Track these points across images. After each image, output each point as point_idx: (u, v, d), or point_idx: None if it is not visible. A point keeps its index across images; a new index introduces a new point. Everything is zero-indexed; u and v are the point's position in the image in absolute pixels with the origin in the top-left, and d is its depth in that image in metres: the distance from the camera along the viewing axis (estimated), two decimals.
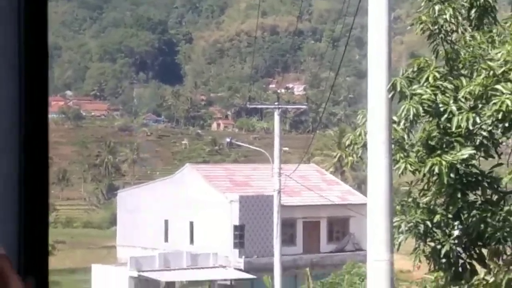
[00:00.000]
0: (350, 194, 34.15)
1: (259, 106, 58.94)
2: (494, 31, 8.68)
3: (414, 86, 8.08)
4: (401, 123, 8.14)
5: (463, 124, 7.78)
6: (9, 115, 0.80)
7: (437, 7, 8.28)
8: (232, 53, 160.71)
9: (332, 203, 30.75)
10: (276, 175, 23.21)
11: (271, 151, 24.10)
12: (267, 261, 24.81)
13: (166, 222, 33.44)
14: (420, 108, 7.83)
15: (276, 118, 24.06)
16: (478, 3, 8.53)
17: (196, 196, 30.01)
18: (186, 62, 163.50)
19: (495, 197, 8.82)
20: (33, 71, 0.80)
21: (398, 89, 7.87)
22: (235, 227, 27.16)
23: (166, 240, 34.33)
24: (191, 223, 29.16)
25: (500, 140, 8.85)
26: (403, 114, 7.89)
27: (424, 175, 8.43)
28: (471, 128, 7.91)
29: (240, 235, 27.30)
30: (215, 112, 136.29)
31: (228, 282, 26.91)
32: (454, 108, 7.90)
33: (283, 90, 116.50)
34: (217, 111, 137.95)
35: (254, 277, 25.36)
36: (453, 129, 7.96)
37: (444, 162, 7.71)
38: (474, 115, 7.85)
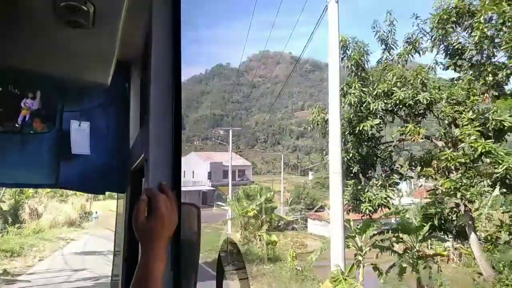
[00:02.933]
0: (245, 163, 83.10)
1: None
2: None
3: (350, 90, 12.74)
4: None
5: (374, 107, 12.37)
6: None
7: None
8: None
9: None
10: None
11: None
12: (218, 184, 71.92)
13: (184, 171, 77.81)
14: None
15: None
16: None
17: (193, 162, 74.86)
18: None
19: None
20: None
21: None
22: (208, 173, 73.10)
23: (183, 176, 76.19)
24: (193, 171, 74.30)
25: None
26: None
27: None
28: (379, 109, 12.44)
29: (210, 175, 72.91)
30: None
31: (206, 190, 72.09)
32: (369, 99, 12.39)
33: None
34: None
35: (214, 188, 71.38)
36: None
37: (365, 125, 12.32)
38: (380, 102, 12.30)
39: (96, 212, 38.21)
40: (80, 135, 2.08)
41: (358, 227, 17.23)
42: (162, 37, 1.31)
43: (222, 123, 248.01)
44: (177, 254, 1.14)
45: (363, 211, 13.32)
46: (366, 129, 12.67)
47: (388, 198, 13.05)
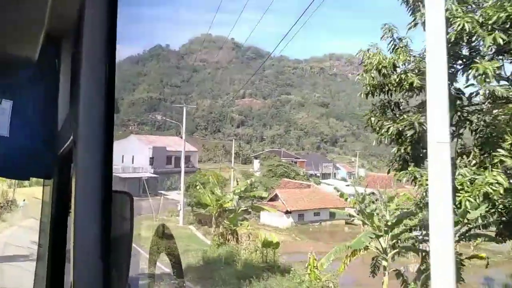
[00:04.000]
0: (190, 148, 78.67)
1: None
2: None
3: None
4: None
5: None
6: None
7: None
8: None
9: None
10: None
11: None
12: (161, 171, 66.54)
13: (123, 156, 71.01)
14: None
15: None
16: None
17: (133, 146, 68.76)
18: None
19: None
20: None
21: None
22: (150, 158, 67.62)
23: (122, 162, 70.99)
24: (133, 156, 68.13)
25: None
26: None
27: None
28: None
29: (152, 160, 67.49)
30: None
31: (147, 177, 66.80)
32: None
33: None
34: None
35: (157, 175, 66.06)
36: None
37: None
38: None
39: (24, 200, 32.56)
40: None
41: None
42: (96, 9, 1.17)
43: (160, 107, 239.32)
44: (107, 245, 1.02)
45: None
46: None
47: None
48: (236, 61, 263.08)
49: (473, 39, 9.64)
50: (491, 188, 8.38)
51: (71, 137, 1.33)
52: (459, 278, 11.16)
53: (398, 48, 11.22)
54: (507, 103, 9.90)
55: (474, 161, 9.95)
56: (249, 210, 52.41)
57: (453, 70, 10.27)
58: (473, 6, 10.07)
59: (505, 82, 10.19)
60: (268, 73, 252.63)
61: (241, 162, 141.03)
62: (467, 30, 8.92)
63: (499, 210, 9.89)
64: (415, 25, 10.62)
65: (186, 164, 71.17)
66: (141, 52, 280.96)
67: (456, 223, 9.32)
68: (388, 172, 11.90)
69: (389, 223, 14.03)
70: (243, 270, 21.20)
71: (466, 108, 10.91)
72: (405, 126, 10.41)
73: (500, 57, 9.95)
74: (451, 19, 8.96)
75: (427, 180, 7.59)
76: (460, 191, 8.63)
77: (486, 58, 9.51)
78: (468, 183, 8.78)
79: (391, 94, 11.74)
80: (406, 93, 11.69)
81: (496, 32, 8.82)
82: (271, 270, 22.08)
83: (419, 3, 10.22)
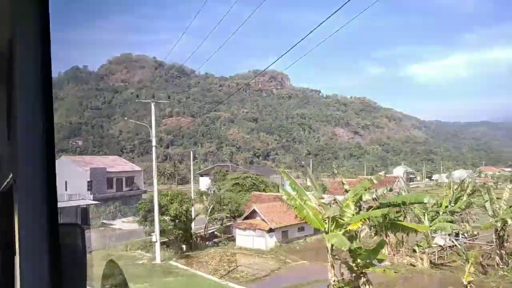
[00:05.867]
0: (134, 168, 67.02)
1: None
2: None
3: None
4: None
5: None
6: None
7: None
8: None
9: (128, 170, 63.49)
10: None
11: None
12: (102, 196, 54.93)
13: None
14: None
15: None
16: None
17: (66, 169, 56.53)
18: None
19: None
20: None
21: None
22: (88, 182, 55.65)
23: None
24: (66, 181, 55.50)
25: None
26: None
27: None
28: None
29: (90, 184, 55.65)
30: None
31: (85, 206, 54.42)
32: None
33: None
34: None
35: (98, 202, 54.49)
36: None
37: None
38: None
39: None
40: None
41: None
42: (28, 35, 1.10)
43: (80, 133, 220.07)
44: (58, 281, 0.97)
45: None
46: None
47: None
48: (160, 80, 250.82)
49: None
50: None
51: (11, 174, 1.24)
52: None
53: None
54: None
55: None
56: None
57: None
58: None
59: None
60: (195, 90, 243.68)
61: (177, 182, 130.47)
62: None
63: None
64: None
65: (130, 186, 60.57)
66: (56, 75, 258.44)
67: None
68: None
69: None
70: None
71: None
72: None
73: None
74: None
75: None
76: None
77: None
78: None
79: None
80: None
81: None
82: None
83: None
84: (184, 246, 36.60)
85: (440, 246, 27.95)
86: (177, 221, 36.43)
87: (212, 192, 52.26)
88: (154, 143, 24.45)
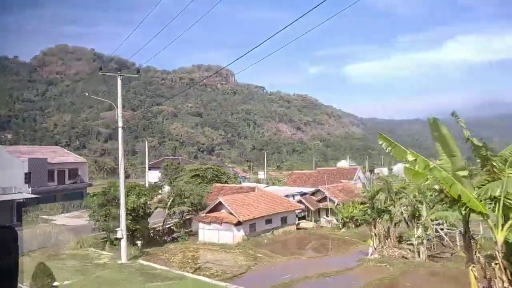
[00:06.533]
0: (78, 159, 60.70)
1: None
2: None
3: None
4: None
5: None
6: None
7: None
8: None
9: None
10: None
11: None
12: (42, 190, 48.64)
13: None
14: None
15: None
16: None
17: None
18: None
19: None
20: None
21: None
22: (26, 174, 48.80)
23: None
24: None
25: None
26: None
27: None
28: None
29: (28, 176, 48.88)
30: None
31: (22, 200, 47.62)
32: None
33: None
34: None
35: (38, 195, 47.93)
36: None
37: None
38: None
39: None
40: None
41: None
42: None
43: (10, 126, 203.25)
44: None
45: None
46: None
47: None
48: (99, 73, 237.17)
49: None
50: None
51: None
52: None
53: None
54: None
55: None
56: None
57: None
58: None
59: None
60: (136, 84, 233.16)
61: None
62: None
63: None
64: None
65: (73, 179, 54.56)
66: None
67: None
68: None
69: None
70: None
71: None
72: None
73: None
74: None
75: None
76: None
77: None
78: None
79: None
80: None
81: None
82: None
83: None
84: (139, 243, 32.65)
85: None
86: (134, 215, 32.38)
87: (164, 184, 48.18)
88: (120, 124, 20.47)
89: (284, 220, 39.90)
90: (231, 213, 35.99)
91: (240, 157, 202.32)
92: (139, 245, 32.82)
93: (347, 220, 39.94)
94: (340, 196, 44.65)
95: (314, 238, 37.95)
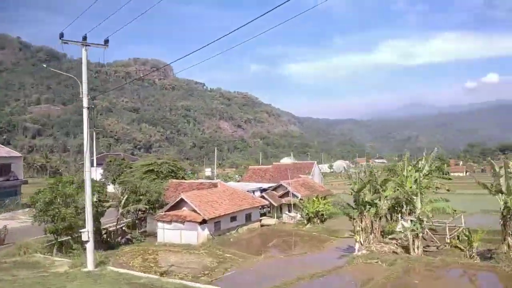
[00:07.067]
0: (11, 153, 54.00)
1: None
2: None
3: None
4: None
5: None
6: None
7: None
8: None
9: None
10: None
11: None
12: None
13: None
14: None
15: None
16: None
17: None
18: None
19: None
20: None
21: None
22: None
23: None
24: None
25: None
26: None
27: None
28: None
29: None
30: None
31: None
32: None
33: None
34: None
35: None
36: None
37: None
38: None
39: None
40: None
41: None
42: None
43: None
44: None
45: None
46: None
47: None
48: (25, 63, 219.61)
49: None
50: None
51: None
52: None
53: None
54: None
55: None
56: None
57: None
58: None
59: None
60: (66, 76, 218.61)
61: (49, 175, 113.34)
62: None
63: None
64: None
65: (5, 175, 48.17)
66: None
67: None
68: None
69: None
70: None
71: None
72: None
73: None
74: None
75: None
76: None
77: None
78: None
79: None
80: None
81: None
82: None
83: None
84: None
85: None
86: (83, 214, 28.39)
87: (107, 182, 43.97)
88: (85, 104, 16.89)
89: (248, 217, 37.52)
90: (194, 211, 32.95)
91: (180, 154, 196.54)
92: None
93: (313, 215, 38.40)
94: (302, 190, 43.09)
95: (281, 235, 35.95)
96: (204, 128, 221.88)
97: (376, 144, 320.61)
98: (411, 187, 22.28)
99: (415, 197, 21.56)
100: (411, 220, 23.06)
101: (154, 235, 37.02)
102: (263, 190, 44.50)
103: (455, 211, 23.98)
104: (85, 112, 17.96)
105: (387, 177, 24.62)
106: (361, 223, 23.43)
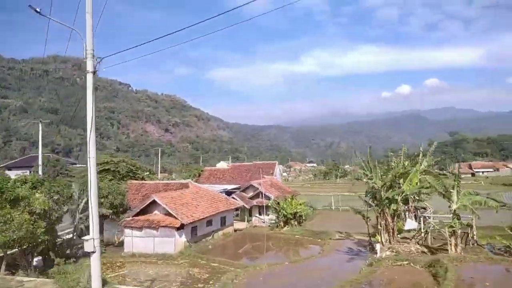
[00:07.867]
0: None
1: None
2: None
3: None
4: None
5: None
6: None
7: None
8: None
9: None
10: None
11: None
12: None
13: None
14: None
15: None
16: None
17: None
18: None
19: None
20: None
21: None
22: None
23: None
24: None
25: None
26: None
27: None
28: None
29: None
30: None
31: None
32: None
33: None
34: None
35: None
36: None
37: None
38: None
39: None
40: None
41: None
42: None
43: None
44: None
45: None
46: None
47: None
48: None
49: None
50: None
51: None
52: None
53: None
54: None
55: None
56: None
57: None
58: None
59: None
60: None
61: None
62: None
63: None
64: None
65: None
66: None
67: None
68: None
69: None
70: None
71: None
72: None
73: None
74: None
75: None
76: None
77: None
78: None
79: None
80: None
81: None
82: None
83: None
84: (37, 260, 23.84)
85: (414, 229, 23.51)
86: (47, 220, 23.21)
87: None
88: (90, 67, 12.50)
89: (223, 221, 33.77)
90: (168, 215, 28.57)
91: None
92: (36, 263, 23.88)
93: (291, 217, 35.66)
94: (272, 191, 40.21)
95: (261, 239, 32.77)
96: (129, 132, 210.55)
97: (300, 149, 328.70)
98: (416, 183, 20.55)
99: (452, 190, 19.65)
100: (428, 217, 21.25)
101: (113, 244, 32.02)
102: (228, 193, 40.92)
103: (503, 205, 22.56)
104: (89, 78, 13.53)
105: (405, 171, 22.50)
106: (383, 221, 21.05)
